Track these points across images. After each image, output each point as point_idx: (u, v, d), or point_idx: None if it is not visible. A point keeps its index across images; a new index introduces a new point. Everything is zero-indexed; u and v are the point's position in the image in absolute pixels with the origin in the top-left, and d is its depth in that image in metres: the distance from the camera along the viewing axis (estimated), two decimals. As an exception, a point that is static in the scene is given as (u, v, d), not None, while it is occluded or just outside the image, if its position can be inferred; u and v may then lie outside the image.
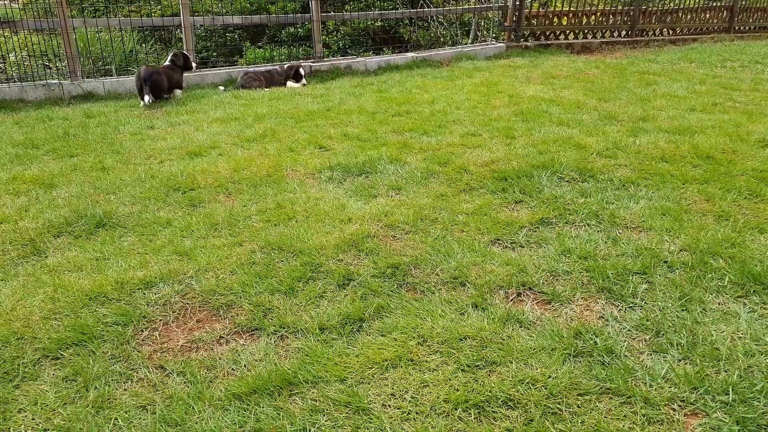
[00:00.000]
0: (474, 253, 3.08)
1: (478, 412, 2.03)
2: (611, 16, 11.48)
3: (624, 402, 2.07)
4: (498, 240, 3.26)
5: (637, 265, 2.93)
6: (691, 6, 12.44)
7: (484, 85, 7.53)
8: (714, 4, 13.00)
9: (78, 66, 7.71)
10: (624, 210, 3.57)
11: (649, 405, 2.05)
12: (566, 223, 3.45)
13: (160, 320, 2.63)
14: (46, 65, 8.58)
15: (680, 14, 12.22)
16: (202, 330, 2.55)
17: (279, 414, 2.05)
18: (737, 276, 2.80)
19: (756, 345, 2.34)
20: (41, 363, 2.35)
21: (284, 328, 2.52)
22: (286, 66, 8.36)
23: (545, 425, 1.97)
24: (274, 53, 10.10)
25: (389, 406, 2.07)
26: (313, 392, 2.15)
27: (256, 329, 2.54)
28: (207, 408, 2.08)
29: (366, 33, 10.99)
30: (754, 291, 2.71)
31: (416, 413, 2.04)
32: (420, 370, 2.24)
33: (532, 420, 1.99)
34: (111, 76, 8.29)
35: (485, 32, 11.42)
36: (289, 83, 8.16)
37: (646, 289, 2.74)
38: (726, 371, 2.19)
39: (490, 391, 2.11)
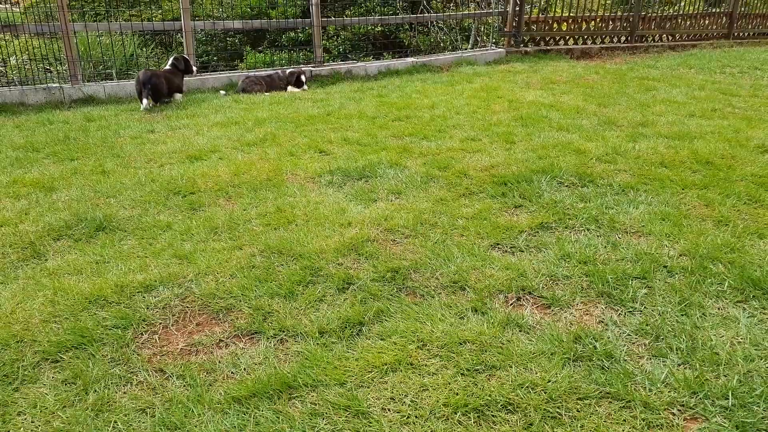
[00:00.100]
0: (474, 258, 3.09)
1: (478, 416, 2.03)
2: (611, 22, 11.52)
3: (623, 406, 2.07)
4: (498, 244, 3.26)
5: (637, 269, 2.93)
6: (690, 12, 12.48)
7: (484, 90, 7.55)
8: (713, 10, 13.05)
9: (79, 70, 7.72)
10: (623, 215, 3.57)
11: (648, 409, 2.05)
12: (566, 227, 3.45)
13: (160, 323, 2.62)
14: (47, 69, 8.59)
15: (679, 20, 12.26)
16: (202, 333, 2.55)
17: (278, 417, 2.05)
18: (737, 281, 2.81)
19: (755, 350, 2.34)
20: (41, 366, 2.35)
21: (284, 331, 2.52)
22: (288, 71, 8.37)
23: (545, 429, 1.97)
24: (275, 58, 10.12)
25: (389, 410, 2.07)
26: (312, 396, 2.15)
27: (256, 333, 2.54)
28: (206, 411, 2.08)
29: (366, 38, 11.02)
30: (753, 296, 2.71)
31: (416, 417, 2.04)
32: (420, 374, 2.24)
33: (531, 424, 1.99)
34: (111, 80, 8.30)
35: (485, 37, 11.45)
36: (290, 88, 8.17)
37: (645, 294, 2.74)
38: (725, 376, 2.19)
39: (490, 395, 2.11)
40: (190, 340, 2.51)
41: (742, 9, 12.96)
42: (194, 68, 7.70)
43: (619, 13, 11.75)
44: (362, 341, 2.44)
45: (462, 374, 2.23)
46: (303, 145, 5.18)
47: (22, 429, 2.04)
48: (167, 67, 7.39)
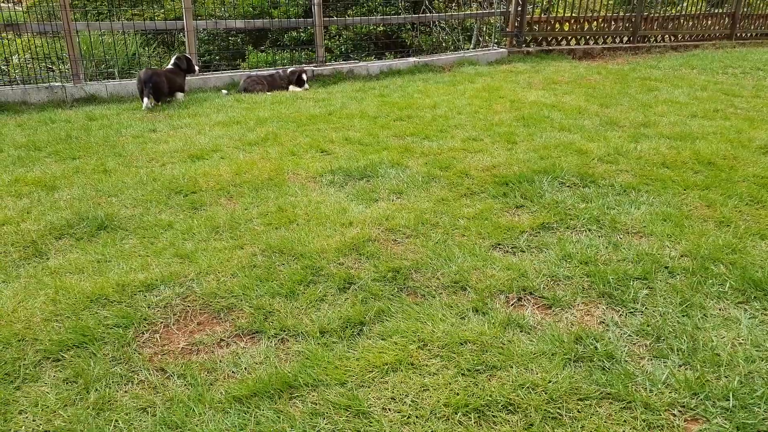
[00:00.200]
0: (475, 258, 3.09)
1: (478, 417, 2.03)
2: (613, 23, 11.51)
3: (624, 407, 2.07)
4: (499, 244, 3.26)
5: (638, 270, 2.93)
6: (692, 13, 12.46)
7: (486, 90, 7.55)
8: (716, 11, 13.03)
9: (81, 69, 7.73)
10: (625, 215, 3.57)
11: (649, 410, 2.05)
12: (567, 228, 3.45)
13: (161, 323, 2.63)
14: (49, 68, 8.61)
15: (682, 21, 12.24)
16: (203, 333, 2.56)
17: (279, 417, 2.05)
18: (738, 282, 2.81)
19: (756, 351, 2.34)
20: (42, 365, 2.36)
21: (285, 331, 2.53)
22: (288, 70, 8.37)
23: (545, 430, 1.97)
24: (277, 57, 10.12)
25: (389, 410, 2.07)
26: (313, 395, 2.15)
27: (257, 332, 2.54)
28: (207, 410, 2.08)
29: (368, 37, 11.02)
30: (755, 297, 2.71)
31: (416, 417, 2.04)
32: (420, 374, 2.24)
33: (532, 425, 1.99)
34: (114, 79, 8.31)
35: (487, 37, 11.44)
36: (292, 87, 8.17)
37: (646, 295, 2.74)
38: (726, 377, 2.19)
39: (491, 396, 2.11)
40: (191, 340, 2.51)
41: (745, 9, 12.94)
42: (196, 67, 7.71)
43: (621, 14, 11.74)
44: (363, 341, 2.44)
45: (463, 374, 2.23)
46: (304, 145, 5.19)
47: (23, 427, 2.04)
48: (169, 66, 7.40)
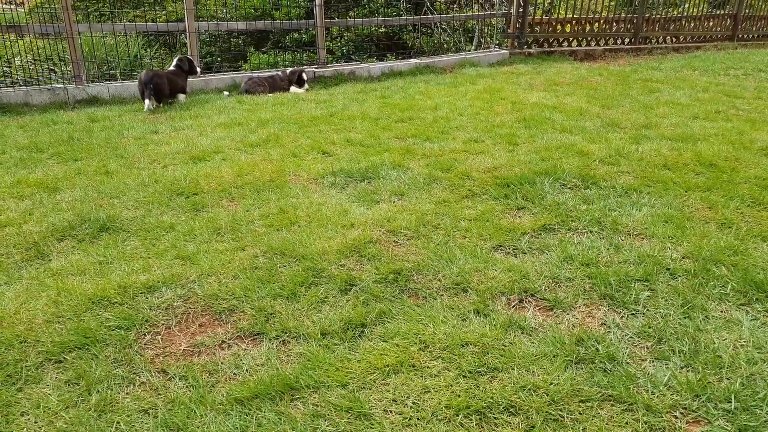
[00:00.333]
0: (476, 260, 3.09)
1: (480, 419, 2.03)
2: (614, 24, 11.51)
3: (626, 409, 2.07)
4: (500, 246, 3.26)
5: (640, 272, 2.93)
6: (694, 14, 12.46)
7: (487, 91, 7.55)
8: (718, 12, 13.02)
9: (83, 70, 7.75)
10: (626, 217, 3.57)
11: (650, 412, 2.05)
12: (568, 229, 3.45)
13: (163, 324, 2.63)
14: (51, 69, 8.63)
15: (684, 22, 12.24)
16: (205, 334, 2.56)
17: (280, 419, 2.05)
18: (740, 284, 2.80)
19: (758, 353, 2.33)
20: (44, 366, 2.36)
21: (286, 333, 2.53)
22: (288, 71, 8.39)
23: (547, 432, 1.97)
24: (278, 59, 10.13)
25: (391, 412, 2.07)
26: (314, 397, 2.15)
27: (258, 334, 2.54)
28: (209, 412, 2.08)
29: (370, 39, 11.02)
30: (756, 299, 2.70)
31: (417, 419, 2.04)
32: (421, 376, 2.24)
33: (533, 427, 1.99)
34: (116, 80, 8.33)
35: (489, 39, 11.45)
36: (293, 88, 8.19)
37: (648, 297, 2.73)
38: (728, 379, 2.19)
39: (492, 398, 2.11)
40: (192, 341, 2.51)
41: (747, 11, 12.94)
42: (198, 69, 7.72)
43: (623, 15, 11.74)
44: (364, 343, 2.44)
45: (464, 376, 2.23)
46: (306, 147, 5.19)
47: (25, 429, 2.05)
48: (171, 67, 7.41)
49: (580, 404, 2.08)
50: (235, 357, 2.39)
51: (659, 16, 12.07)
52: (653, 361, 2.31)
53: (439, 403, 2.09)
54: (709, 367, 2.25)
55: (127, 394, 2.20)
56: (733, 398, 2.09)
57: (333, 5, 10.84)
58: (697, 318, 2.56)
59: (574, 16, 11.21)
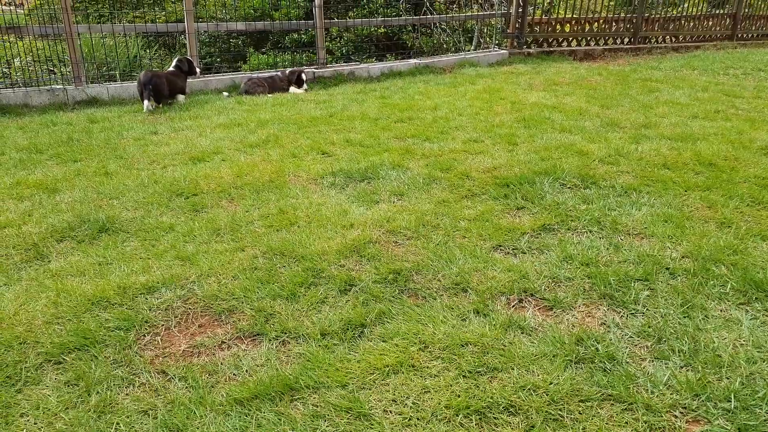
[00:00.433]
0: (476, 260, 3.09)
1: (480, 419, 2.03)
2: (614, 24, 11.51)
3: (625, 409, 2.07)
4: (500, 246, 3.26)
5: (639, 271, 2.93)
6: (694, 14, 12.46)
7: (487, 91, 7.55)
8: (717, 11, 13.03)
9: (82, 71, 7.75)
10: (626, 217, 3.57)
11: (650, 412, 2.05)
12: (568, 229, 3.45)
13: (162, 325, 2.63)
14: (51, 70, 8.62)
15: (683, 22, 12.24)
16: (204, 335, 2.56)
17: (280, 419, 2.05)
18: (739, 283, 2.80)
19: (758, 352, 2.33)
20: (43, 367, 2.36)
21: (286, 333, 2.53)
22: (287, 71, 8.40)
23: (546, 431, 1.97)
24: (278, 59, 10.14)
25: (390, 412, 2.07)
26: (314, 398, 2.15)
27: (258, 334, 2.54)
28: (208, 413, 2.08)
29: (369, 39, 11.03)
30: (756, 298, 2.70)
31: (417, 419, 2.04)
32: (421, 376, 2.24)
33: (533, 426, 1.99)
34: (115, 81, 8.33)
35: (488, 39, 11.45)
36: (292, 89, 8.19)
37: (648, 296, 2.73)
38: (728, 378, 2.19)
39: (492, 398, 2.11)
40: (192, 342, 2.51)
41: (746, 10, 12.94)
42: (197, 70, 7.72)
43: (622, 15, 11.74)
44: (364, 343, 2.44)
45: (464, 376, 2.23)
46: (305, 147, 5.19)
47: (24, 430, 2.05)
48: (171, 68, 7.41)
49: (580, 404, 2.08)
50: (234, 357, 2.39)
51: (658, 15, 12.07)
52: (653, 361, 2.31)
53: (439, 403, 2.09)
54: (709, 367, 2.25)
55: (126, 394, 2.20)
56: (732, 397, 2.08)
57: (332, 6, 10.84)
58: (697, 317, 2.56)
59: (574, 15, 11.21)
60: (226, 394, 2.17)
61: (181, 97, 7.36)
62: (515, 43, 10.72)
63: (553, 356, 2.32)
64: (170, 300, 2.79)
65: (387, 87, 8.19)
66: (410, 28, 11.49)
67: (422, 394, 2.15)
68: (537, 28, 10.89)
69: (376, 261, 3.10)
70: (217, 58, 10.55)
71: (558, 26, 11.10)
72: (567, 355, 2.32)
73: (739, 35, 12.98)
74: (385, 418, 2.05)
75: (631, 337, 2.46)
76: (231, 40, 11.23)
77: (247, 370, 2.31)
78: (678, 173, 4.29)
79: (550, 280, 2.90)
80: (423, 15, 11.43)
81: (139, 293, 2.85)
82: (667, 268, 2.97)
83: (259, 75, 8.38)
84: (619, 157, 4.67)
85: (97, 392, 2.20)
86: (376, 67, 9.44)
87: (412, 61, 9.90)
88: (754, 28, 13.31)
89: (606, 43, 11.50)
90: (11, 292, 2.88)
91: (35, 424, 2.07)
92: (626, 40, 11.66)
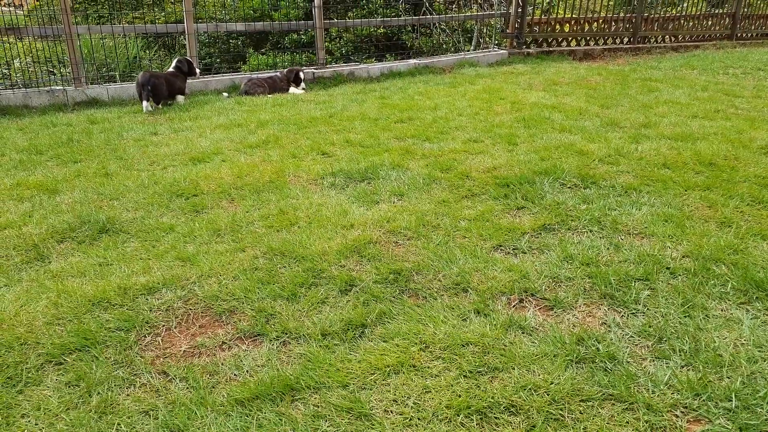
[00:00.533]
0: (476, 259, 3.09)
1: (481, 418, 2.03)
2: (613, 23, 11.51)
3: (626, 408, 2.07)
4: (500, 246, 3.26)
5: (640, 271, 2.93)
6: (693, 13, 12.47)
7: (487, 91, 7.55)
8: (716, 11, 13.03)
9: (82, 72, 7.75)
10: (626, 216, 3.57)
11: (651, 411, 2.05)
12: (568, 229, 3.45)
13: (163, 326, 2.63)
14: (51, 71, 8.63)
15: (682, 21, 12.25)
16: (205, 335, 2.56)
17: (281, 420, 2.05)
18: (740, 282, 2.80)
19: (759, 351, 2.33)
20: (44, 368, 2.36)
21: (286, 333, 2.53)
22: (285, 71, 8.42)
23: (547, 431, 1.97)
24: (278, 60, 10.14)
25: (391, 412, 2.07)
26: (315, 398, 2.15)
27: (259, 335, 2.54)
28: (209, 413, 2.08)
29: (369, 40, 11.03)
30: (757, 297, 2.71)
31: (418, 419, 2.04)
32: (422, 376, 2.24)
33: (534, 426, 1.99)
34: (115, 82, 8.33)
35: (488, 39, 11.46)
36: (292, 89, 8.19)
37: (648, 296, 2.73)
38: (729, 378, 2.19)
39: (493, 397, 2.11)
40: (193, 342, 2.51)
41: (745, 10, 12.95)
42: (197, 70, 7.73)
43: (621, 15, 11.75)
44: (365, 343, 2.44)
45: (464, 376, 2.23)
46: (305, 147, 5.19)
47: (25, 431, 2.04)
48: (171, 69, 7.42)
49: (581, 403, 2.08)
50: (235, 358, 2.39)
51: (658, 15, 12.07)
52: (654, 360, 2.31)
53: (440, 403, 2.09)
54: (710, 366, 2.25)
55: (127, 395, 2.20)
56: (733, 397, 2.09)
57: (332, 6, 10.84)
58: (698, 317, 2.56)
59: (573, 15, 11.21)
60: (226, 395, 2.17)
61: (180, 98, 7.36)
62: (515, 43, 10.72)
63: (554, 356, 2.32)
64: (171, 300, 2.79)
65: (387, 87, 8.19)
66: (410, 29, 11.49)
67: (423, 394, 2.15)
68: (536, 28, 10.90)
69: (376, 261, 3.10)
70: (217, 58, 10.55)
71: (557, 26, 11.11)
72: (568, 355, 2.32)
73: (739, 35, 12.98)
74: (385, 418, 2.05)
75: (631, 336, 2.46)
76: (231, 41, 11.23)
77: (247, 371, 2.31)
78: (678, 173, 4.29)
79: (550, 279, 2.90)
80: (422, 15, 11.43)
81: (139, 294, 2.85)
82: (668, 268, 2.97)
83: (259, 75, 8.39)
84: (619, 157, 4.67)
85: (98, 393, 2.20)
86: (375, 67, 9.45)
87: (412, 61, 9.91)
88: (753, 27, 13.32)
89: (605, 43, 11.50)
90: (12, 293, 2.88)
91: (36, 424, 2.07)
92: (625, 39, 11.66)
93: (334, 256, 3.15)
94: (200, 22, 9.18)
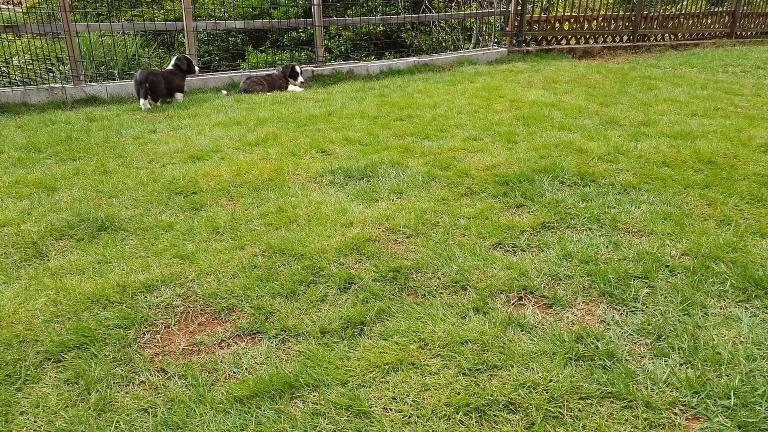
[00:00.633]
0: (475, 257, 3.09)
1: (480, 416, 2.03)
2: (613, 22, 11.50)
3: (625, 406, 2.07)
4: (499, 244, 3.26)
5: (639, 269, 2.93)
6: (692, 11, 12.46)
7: (486, 89, 7.54)
8: (716, 9, 13.02)
9: (81, 70, 7.74)
10: (625, 214, 3.57)
11: (650, 409, 2.05)
12: (568, 227, 3.45)
13: (162, 323, 2.63)
14: (49, 69, 8.61)
15: (682, 19, 12.24)
16: (204, 333, 2.56)
17: (280, 417, 2.05)
18: (739, 280, 2.80)
19: (757, 349, 2.34)
20: (43, 366, 2.36)
21: (285, 331, 2.53)
22: (281, 68, 8.43)
23: (546, 429, 1.97)
24: (277, 58, 10.13)
25: (390, 410, 2.07)
26: (314, 395, 2.15)
27: (258, 332, 2.54)
28: (208, 411, 2.08)
29: (368, 37, 11.02)
30: (755, 295, 2.71)
31: (417, 417, 2.04)
32: (421, 374, 2.24)
33: (533, 424, 1.99)
34: (114, 80, 8.32)
35: (487, 37, 11.45)
36: (291, 87, 8.19)
37: (647, 294, 2.73)
38: (728, 375, 2.19)
39: (492, 395, 2.11)
40: (191, 340, 2.51)
41: (745, 8, 12.94)
42: (196, 68, 7.72)
43: (621, 13, 11.74)
44: (364, 341, 2.44)
45: (464, 374, 2.23)
46: (305, 145, 5.19)
47: (24, 429, 2.04)
48: (170, 66, 7.41)
49: (580, 401, 2.09)
50: (234, 356, 2.39)
51: (657, 13, 12.06)
52: (653, 358, 2.31)
53: (439, 401, 2.10)
54: (709, 364, 2.25)
55: (126, 393, 2.20)
56: (732, 395, 2.09)
57: (331, 4, 10.83)
58: (697, 315, 2.56)
59: (573, 13, 11.20)
60: (225, 392, 2.17)
61: (179, 96, 7.35)
62: (514, 41, 10.71)
63: (553, 354, 2.32)
64: (170, 298, 2.79)
65: (386, 85, 8.19)
66: (409, 26, 11.48)
67: (422, 392, 2.15)
68: (536, 26, 10.88)
69: (375, 259, 3.10)
70: (216, 56, 10.54)
71: (557, 24, 11.10)
72: (567, 353, 2.32)
73: (738, 33, 12.97)
74: (385, 415, 2.05)
75: (630, 334, 2.46)
76: (230, 39, 11.21)
77: (246, 368, 2.31)
78: (677, 171, 4.29)
79: (549, 277, 2.90)
80: (422, 13, 11.42)
81: (138, 291, 2.85)
82: (667, 266, 2.97)
83: (258, 73, 8.38)
84: (619, 155, 4.67)
85: (97, 390, 2.20)
86: (375, 65, 9.44)
87: (411, 59, 9.90)
88: (752, 25, 13.31)
89: (605, 41, 11.49)
90: (11, 291, 2.88)
91: (35, 422, 2.07)
92: (625, 37, 11.65)
93: (333, 253, 3.15)
94: (199, 20, 9.15)
